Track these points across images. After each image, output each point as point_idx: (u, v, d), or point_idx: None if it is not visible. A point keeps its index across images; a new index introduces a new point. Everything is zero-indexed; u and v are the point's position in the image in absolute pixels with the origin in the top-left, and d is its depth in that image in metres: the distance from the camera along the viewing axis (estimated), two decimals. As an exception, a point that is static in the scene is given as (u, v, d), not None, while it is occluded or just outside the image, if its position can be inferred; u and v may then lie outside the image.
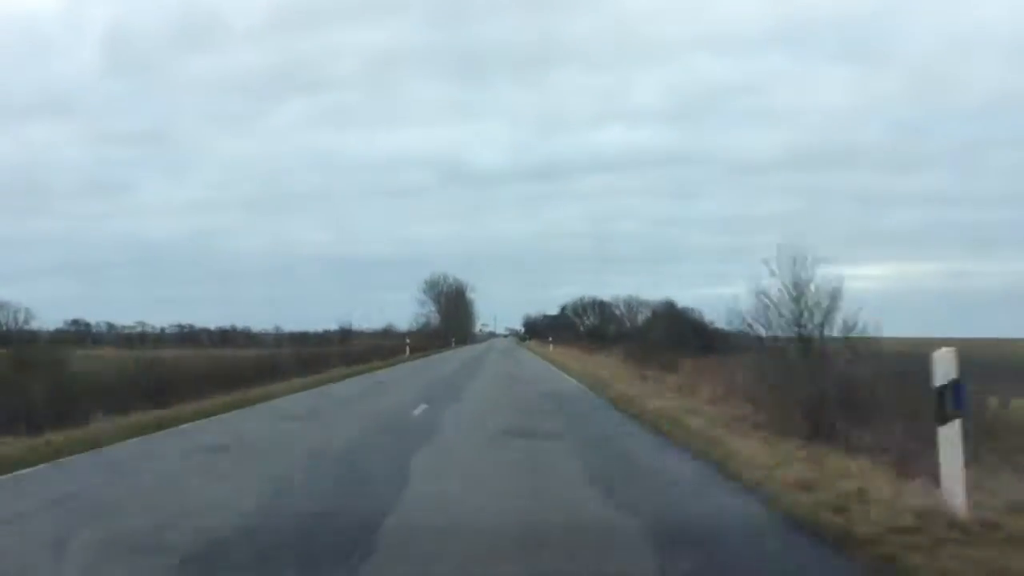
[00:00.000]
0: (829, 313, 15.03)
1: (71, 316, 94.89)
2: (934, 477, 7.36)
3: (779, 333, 16.69)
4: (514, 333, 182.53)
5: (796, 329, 16.11)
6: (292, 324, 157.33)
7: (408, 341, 62.39)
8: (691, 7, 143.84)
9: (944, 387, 7.06)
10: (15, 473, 10.78)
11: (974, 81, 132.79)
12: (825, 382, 11.94)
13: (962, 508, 6.87)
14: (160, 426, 15.68)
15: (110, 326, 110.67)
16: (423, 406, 19.83)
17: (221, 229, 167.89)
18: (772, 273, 15.99)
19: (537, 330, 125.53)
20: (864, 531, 6.66)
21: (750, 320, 17.05)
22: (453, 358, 57.64)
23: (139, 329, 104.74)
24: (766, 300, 16.75)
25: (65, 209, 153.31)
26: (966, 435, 7.05)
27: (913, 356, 9.81)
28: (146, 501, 8.98)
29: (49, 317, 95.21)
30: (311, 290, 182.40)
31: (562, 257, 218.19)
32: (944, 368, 7.11)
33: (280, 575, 6.14)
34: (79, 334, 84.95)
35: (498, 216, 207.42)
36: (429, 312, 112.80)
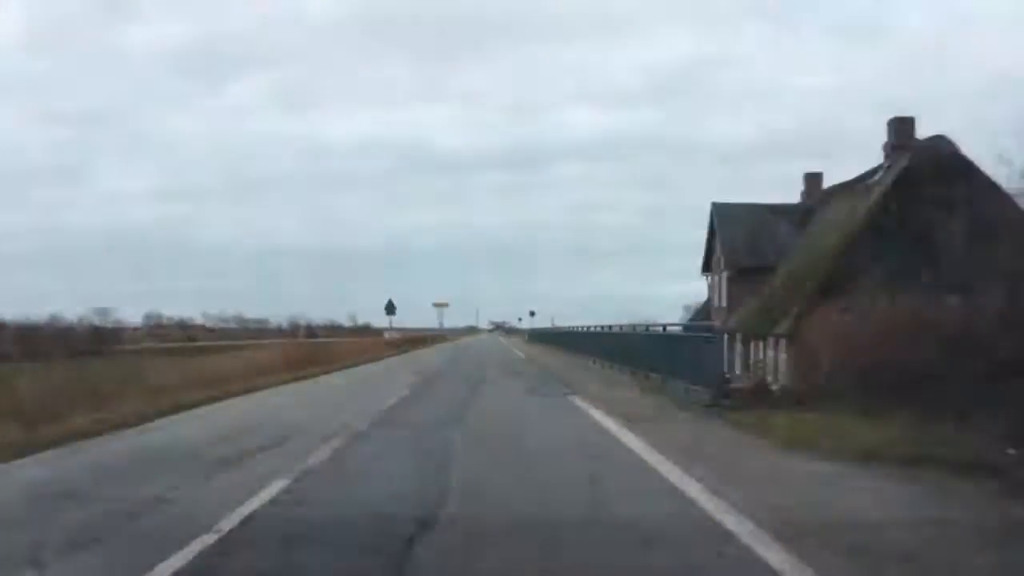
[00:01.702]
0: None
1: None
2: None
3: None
4: (500, 328, 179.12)
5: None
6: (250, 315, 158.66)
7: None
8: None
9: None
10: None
11: (973, 60, 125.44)
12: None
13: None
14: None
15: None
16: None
17: (184, 218, 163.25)
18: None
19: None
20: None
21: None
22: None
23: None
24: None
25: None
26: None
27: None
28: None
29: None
30: (272, 282, 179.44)
31: (543, 250, 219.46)
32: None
33: None
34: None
35: (471, 207, 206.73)
36: None
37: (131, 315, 77.86)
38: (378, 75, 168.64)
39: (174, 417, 14.25)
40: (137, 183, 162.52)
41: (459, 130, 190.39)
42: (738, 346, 31.05)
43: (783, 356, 25.58)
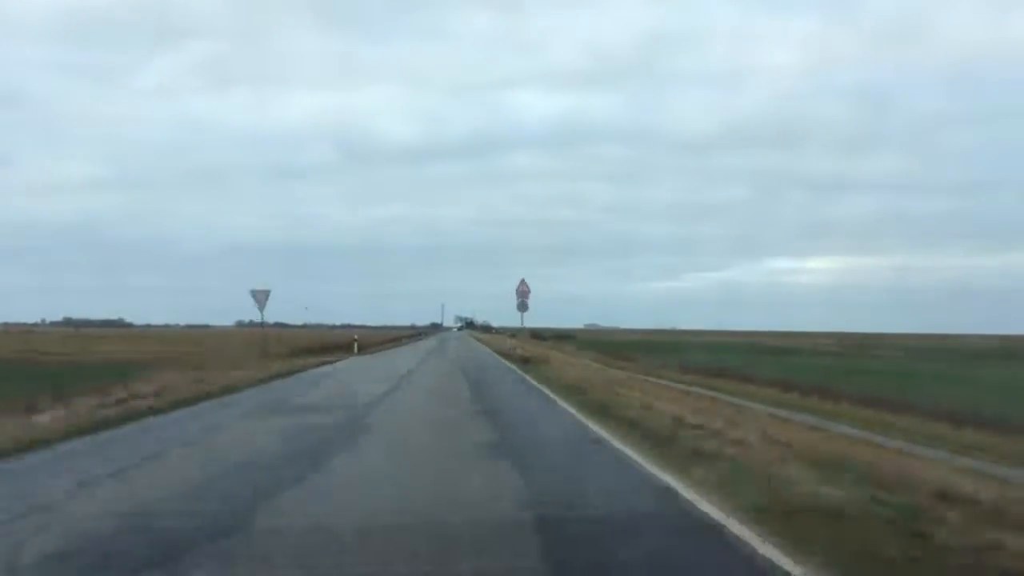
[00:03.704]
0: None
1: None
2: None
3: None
4: (470, 325, 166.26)
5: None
6: (185, 317, 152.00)
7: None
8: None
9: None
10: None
11: (947, 36, 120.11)
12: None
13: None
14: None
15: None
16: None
17: (102, 211, 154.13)
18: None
19: None
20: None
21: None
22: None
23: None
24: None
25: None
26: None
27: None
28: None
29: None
30: (212, 281, 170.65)
31: (506, 247, 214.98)
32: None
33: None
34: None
35: (427, 199, 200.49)
36: None
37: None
38: (314, 52, 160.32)
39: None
40: (55, 170, 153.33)
41: (405, 116, 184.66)
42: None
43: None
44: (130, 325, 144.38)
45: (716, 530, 6.67)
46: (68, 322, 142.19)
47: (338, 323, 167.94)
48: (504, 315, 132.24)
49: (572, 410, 16.23)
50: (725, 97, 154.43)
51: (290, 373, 27.82)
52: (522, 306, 35.26)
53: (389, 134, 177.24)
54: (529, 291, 35.58)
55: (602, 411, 15.57)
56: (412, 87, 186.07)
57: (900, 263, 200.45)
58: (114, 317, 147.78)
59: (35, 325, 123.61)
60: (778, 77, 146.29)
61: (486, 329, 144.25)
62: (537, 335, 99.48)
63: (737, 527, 6.67)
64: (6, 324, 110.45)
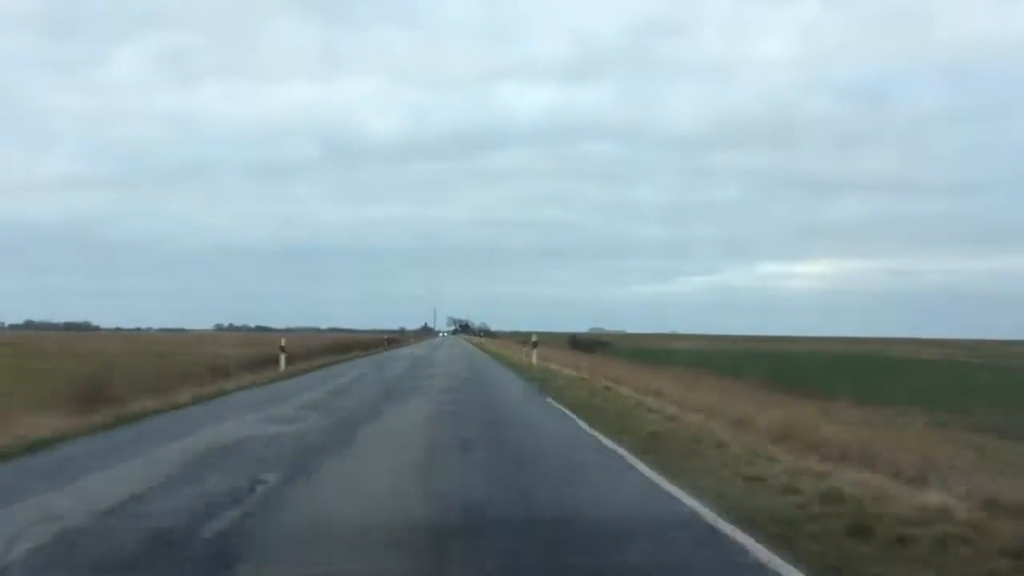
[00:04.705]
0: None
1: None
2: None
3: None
4: (465, 328, 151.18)
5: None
6: (161, 320, 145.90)
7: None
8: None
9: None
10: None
11: (947, 24, 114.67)
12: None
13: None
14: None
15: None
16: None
17: (79, 209, 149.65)
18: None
19: None
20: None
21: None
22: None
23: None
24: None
25: None
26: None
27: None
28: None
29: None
30: (187, 283, 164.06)
31: (500, 248, 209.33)
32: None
33: None
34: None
35: (412, 198, 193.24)
36: None
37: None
38: (295, 45, 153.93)
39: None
40: (30, 166, 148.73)
41: (391, 112, 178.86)
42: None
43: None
44: (97, 328, 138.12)
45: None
46: (29, 324, 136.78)
47: (325, 327, 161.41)
48: (503, 318, 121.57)
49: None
50: (714, 92, 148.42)
51: None
52: None
53: (375, 130, 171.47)
54: None
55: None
56: (396, 81, 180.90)
57: (892, 266, 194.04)
58: (80, 320, 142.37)
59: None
60: (771, 71, 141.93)
61: (485, 333, 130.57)
62: (576, 343, 77.20)
63: None
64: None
